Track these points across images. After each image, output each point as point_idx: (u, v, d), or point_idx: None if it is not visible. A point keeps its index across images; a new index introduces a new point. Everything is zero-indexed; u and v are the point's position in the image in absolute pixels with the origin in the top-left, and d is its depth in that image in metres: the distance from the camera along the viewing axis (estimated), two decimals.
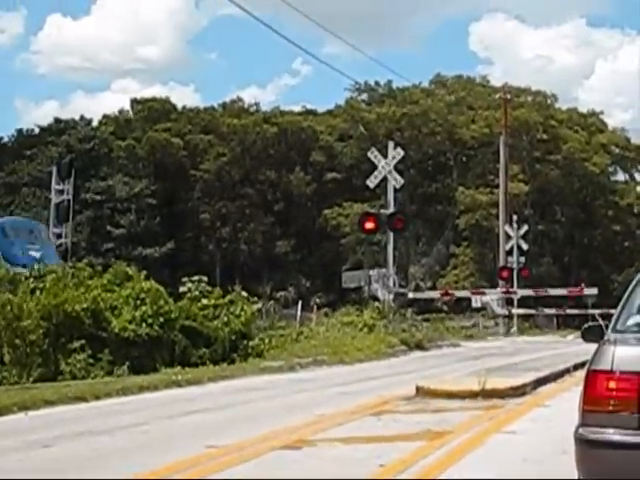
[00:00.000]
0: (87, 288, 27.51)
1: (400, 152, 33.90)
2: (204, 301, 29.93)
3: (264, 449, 10.46)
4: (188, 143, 74.55)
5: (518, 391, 16.21)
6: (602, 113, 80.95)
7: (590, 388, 6.32)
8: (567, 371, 20.03)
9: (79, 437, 11.67)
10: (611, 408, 6.19)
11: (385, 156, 33.61)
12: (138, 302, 27.64)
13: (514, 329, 48.80)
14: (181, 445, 11.02)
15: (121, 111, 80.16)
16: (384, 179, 33.71)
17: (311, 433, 11.78)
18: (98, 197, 70.70)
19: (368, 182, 34.16)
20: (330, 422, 12.83)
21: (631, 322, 7.11)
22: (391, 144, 34.84)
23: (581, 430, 6.32)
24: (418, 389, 16.14)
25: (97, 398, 16.13)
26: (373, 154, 33.94)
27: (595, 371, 6.34)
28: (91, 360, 24.85)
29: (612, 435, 6.17)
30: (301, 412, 14.04)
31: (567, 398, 13.87)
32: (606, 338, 6.87)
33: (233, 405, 15.54)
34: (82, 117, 78.56)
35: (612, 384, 6.21)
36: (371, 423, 12.80)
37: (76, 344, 24.93)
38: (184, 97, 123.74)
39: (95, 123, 78.28)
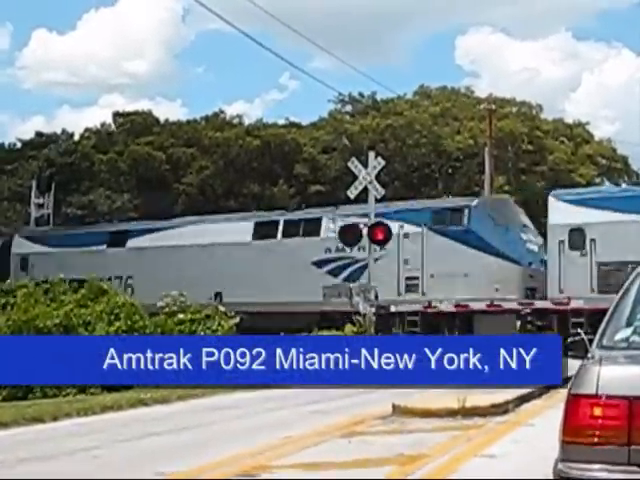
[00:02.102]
0: (60, 303, 26.99)
1: (381, 162, 33.02)
2: (180, 316, 29.15)
3: (217, 477, 9.59)
4: (170, 156, 73.58)
5: (500, 408, 15.36)
6: (588, 124, 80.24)
7: (571, 416, 5.28)
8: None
9: (21, 464, 10.75)
10: (596, 440, 5.16)
11: (367, 167, 32.81)
12: (112, 317, 27.07)
13: None
14: (129, 472, 10.13)
15: (103, 124, 79.23)
16: (365, 190, 32.87)
17: (274, 458, 10.91)
18: (79, 211, 69.69)
19: (348, 192, 33.25)
20: (297, 445, 11.96)
21: (619, 336, 5.97)
22: (372, 154, 33.91)
23: (561, 466, 5.26)
24: (394, 407, 15.28)
25: (55, 419, 15.23)
26: (354, 164, 33.07)
27: (577, 395, 5.29)
28: None
29: (598, 472, 5.14)
30: (268, 433, 13.16)
31: (553, 416, 12.96)
32: (590, 355, 5.77)
33: (197, 426, 14.63)
34: (64, 131, 77.64)
35: (597, 411, 5.18)
36: (341, 446, 11.91)
37: None
38: (171, 112, 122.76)
39: (77, 137, 77.36)
